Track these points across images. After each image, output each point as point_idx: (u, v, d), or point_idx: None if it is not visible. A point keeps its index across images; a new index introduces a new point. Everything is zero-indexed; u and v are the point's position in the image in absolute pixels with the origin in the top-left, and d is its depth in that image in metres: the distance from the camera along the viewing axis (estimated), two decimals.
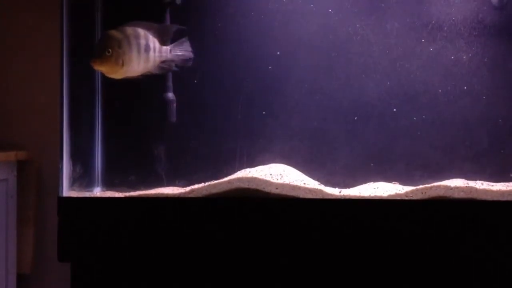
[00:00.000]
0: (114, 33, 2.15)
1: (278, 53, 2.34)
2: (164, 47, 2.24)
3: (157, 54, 2.22)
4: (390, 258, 2.04)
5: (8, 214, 2.62)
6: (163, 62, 2.24)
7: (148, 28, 2.21)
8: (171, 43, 2.27)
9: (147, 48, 2.19)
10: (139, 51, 2.18)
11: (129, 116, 2.40)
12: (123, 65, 2.14)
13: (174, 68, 2.28)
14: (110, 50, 2.11)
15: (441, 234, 2.02)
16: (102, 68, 2.14)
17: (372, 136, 2.32)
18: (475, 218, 2.02)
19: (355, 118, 2.32)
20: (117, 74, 2.15)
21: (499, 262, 2.01)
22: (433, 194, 2.08)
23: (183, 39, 2.28)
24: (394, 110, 2.29)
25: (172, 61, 2.26)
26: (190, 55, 2.28)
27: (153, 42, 2.21)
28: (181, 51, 2.27)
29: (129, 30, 2.18)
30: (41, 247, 2.73)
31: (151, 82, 2.33)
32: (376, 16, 2.32)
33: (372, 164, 2.30)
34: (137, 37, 2.18)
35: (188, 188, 2.22)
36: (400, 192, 2.12)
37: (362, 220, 2.05)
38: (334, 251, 2.06)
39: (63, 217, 2.15)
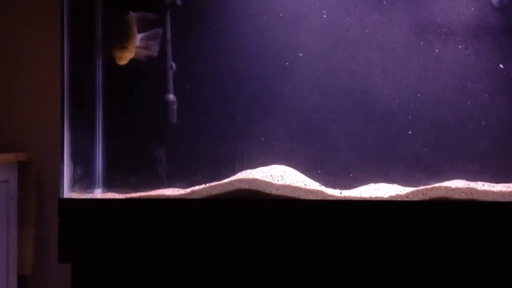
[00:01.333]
0: (133, 21, 2.21)
1: (300, 54, 2.35)
2: (138, 35, 2.29)
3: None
4: (391, 259, 2.04)
5: (9, 216, 2.62)
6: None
7: (135, 17, 2.27)
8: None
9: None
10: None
11: (129, 117, 2.40)
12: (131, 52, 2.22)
13: (142, 59, 2.30)
14: (132, 37, 2.20)
15: (442, 235, 2.02)
16: (121, 55, 2.19)
17: (373, 137, 2.32)
18: (476, 219, 2.02)
19: (356, 119, 2.32)
20: (125, 60, 2.22)
21: (500, 263, 2.01)
22: (434, 195, 2.08)
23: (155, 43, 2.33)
24: (409, 129, 2.30)
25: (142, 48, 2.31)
26: (154, 53, 2.32)
27: (136, 30, 2.28)
28: (151, 45, 2.32)
29: (134, 19, 2.24)
30: (42, 248, 2.73)
31: (152, 84, 2.34)
32: (374, 17, 2.32)
33: (372, 165, 2.30)
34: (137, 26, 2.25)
35: (188, 190, 2.22)
36: (401, 193, 2.12)
37: (363, 221, 2.05)
38: (335, 252, 2.06)
39: (64, 219, 2.14)
